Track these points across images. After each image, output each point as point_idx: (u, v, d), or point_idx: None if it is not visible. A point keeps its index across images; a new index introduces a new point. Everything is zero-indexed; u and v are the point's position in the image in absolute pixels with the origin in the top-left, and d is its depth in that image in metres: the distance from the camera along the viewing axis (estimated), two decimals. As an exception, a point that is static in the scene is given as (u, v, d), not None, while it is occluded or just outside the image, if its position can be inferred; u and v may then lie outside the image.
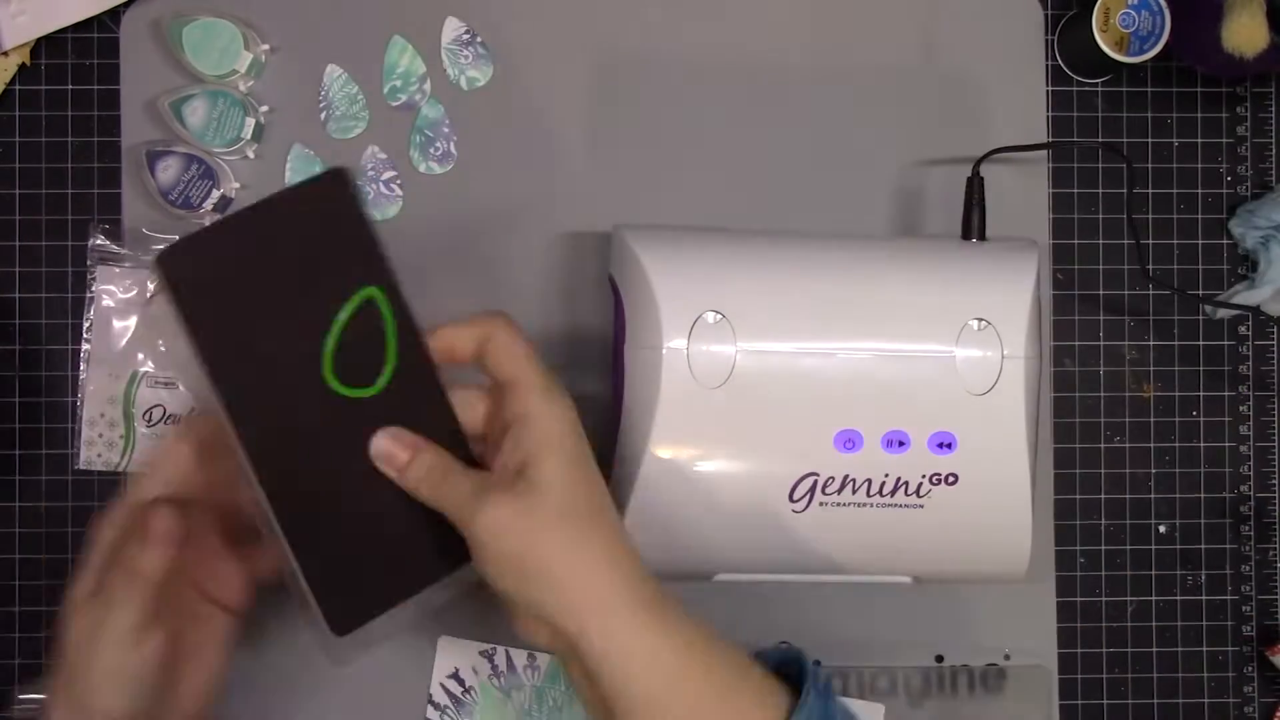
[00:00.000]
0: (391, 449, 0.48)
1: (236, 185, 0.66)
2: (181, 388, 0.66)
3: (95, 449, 0.65)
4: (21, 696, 0.52)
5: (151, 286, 0.64)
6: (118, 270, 0.66)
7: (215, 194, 0.65)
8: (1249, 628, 0.69)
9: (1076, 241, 0.69)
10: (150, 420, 0.65)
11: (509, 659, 0.63)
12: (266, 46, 0.66)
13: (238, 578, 0.54)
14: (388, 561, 0.50)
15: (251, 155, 0.66)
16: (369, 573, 0.49)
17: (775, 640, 0.66)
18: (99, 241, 0.65)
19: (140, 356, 0.66)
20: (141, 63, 0.66)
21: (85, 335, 0.66)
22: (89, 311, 0.66)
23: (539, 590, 0.46)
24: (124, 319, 0.66)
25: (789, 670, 0.49)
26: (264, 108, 0.66)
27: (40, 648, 0.65)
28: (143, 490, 0.50)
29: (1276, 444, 0.69)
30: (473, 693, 0.63)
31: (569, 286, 0.67)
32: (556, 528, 0.46)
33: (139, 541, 0.48)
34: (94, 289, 0.66)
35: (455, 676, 0.63)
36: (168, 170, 0.64)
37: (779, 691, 0.48)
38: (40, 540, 0.66)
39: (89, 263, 0.66)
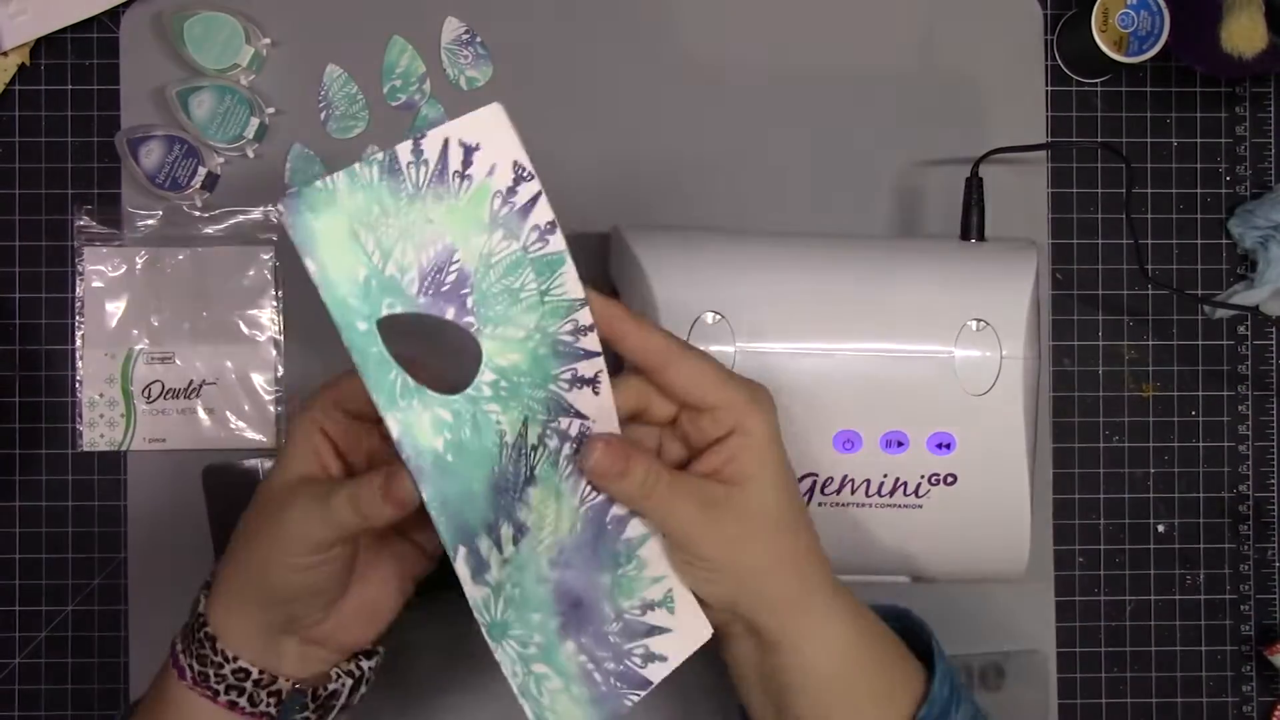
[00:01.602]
0: (602, 464, 0.46)
1: (220, 161, 0.66)
2: (178, 361, 0.66)
3: (97, 429, 0.66)
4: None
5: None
6: (105, 250, 0.66)
7: (201, 171, 0.65)
8: (1247, 627, 0.69)
9: (1075, 241, 0.69)
10: (149, 396, 0.66)
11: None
12: (268, 40, 0.66)
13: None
14: None
15: (251, 154, 0.66)
16: None
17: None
18: (83, 222, 0.66)
19: (135, 333, 0.66)
20: (142, 59, 0.66)
21: (79, 317, 0.66)
22: (78, 292, 0.66)
23: (749, 595, 0.48)
24: (115, 298, 0.66)
25: (910, 636, 0.53)
26: (270, 109, 0.66)
27: (40, 622, 0.66)
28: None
29: (1275, 444, 0.69)
30: None
31: (569, 286, 0.67)
32: (774, 540, 0.47)
33: (376, 493, 0.44)
34: (83, 270, 0.66)
35: None
36: (151, 154, 0.65)
37: (913, 660, 0.51)
38: (43, 527, 0.66)
39: (75, 244, 0.66)
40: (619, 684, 0.48)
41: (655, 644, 0.48)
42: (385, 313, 0.43)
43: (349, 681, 0.50)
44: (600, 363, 0.47)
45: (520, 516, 0.46)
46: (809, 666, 0.48)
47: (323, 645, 0.49)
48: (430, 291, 0.44)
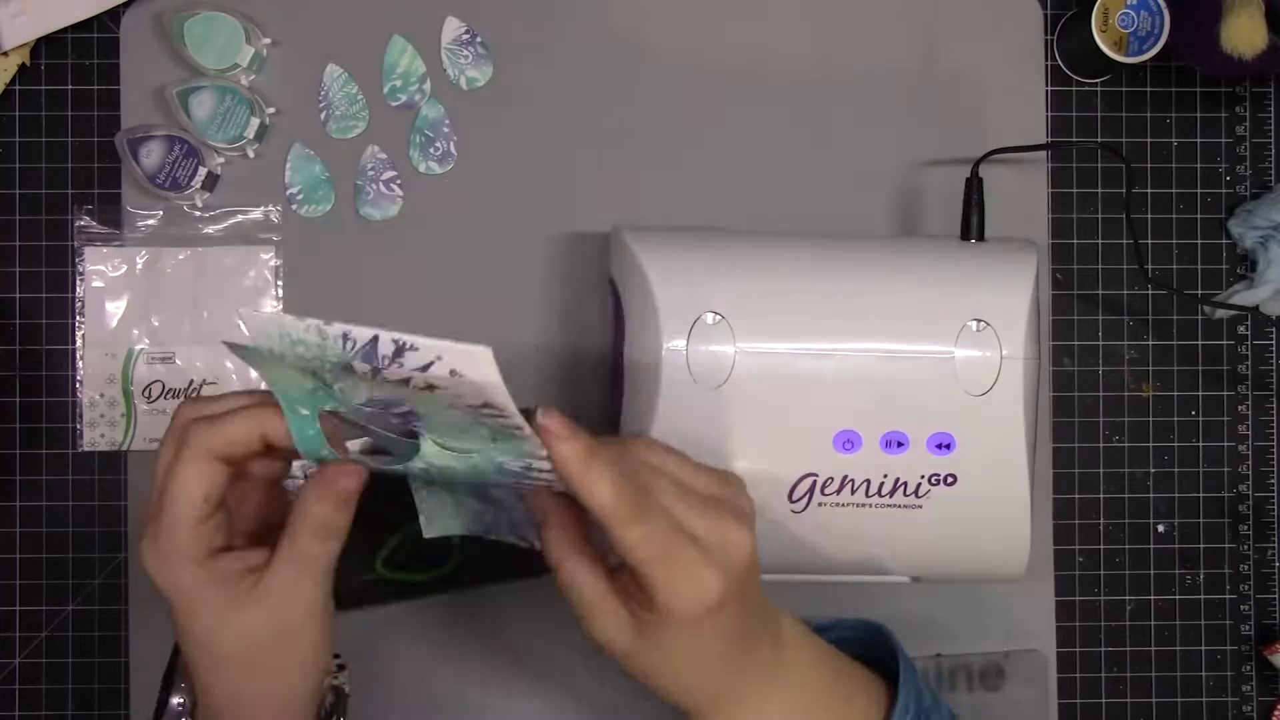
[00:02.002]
0: (539, 507, 0.46)
1: (220, 161, 0.66)
2: (179, 361, 0.66)
3: (98, 429, 0.66)
4: (177, 701, 0.50)
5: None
6: (105, 250, 0.66)
7: (201, 171, 0.65)
8: (1247, 627, 0.69)
9: (1075, 241, 0.69)
10: (150, 396, 0.66)
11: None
12: (268, 40, 0.66)
13: None
14: None
15: (251, 154, 0.66)
16: None
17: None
18: (83, 222, 0.66)
19: (135, 333, 0.66)
20: (142, 59, 0.66)
21: (79, 317, 0.66)
22: (78, 292, 0.66)
23: (671, 695, 0.47)
24: (115, 298, 0.66)
25: (878, 649, 0.53)
26: (270, 109, 0.66)
27: (40, 622, 0.66)
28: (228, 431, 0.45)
29: (1275, 443, 0.69)
30: None
31: (569, 287, 0.67)
32: (692, 663, 0.46)
33: (322, 498, 0.44)
34: (83, 270, 0.66)
35: None
36: (151, 155, 0.65)
37: (876, 688, 0.51)
38: (43, 527, 0.66)
39: (75, 244, 0.66)
40: (504, 527, 0.49)
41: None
42: (328, 408, 0.43)
43: (344, 675, 0.51)
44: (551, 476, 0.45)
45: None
46: None
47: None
48: (378, 409, 0.43)
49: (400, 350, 0.42)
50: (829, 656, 0.51)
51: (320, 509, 0.44)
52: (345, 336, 0.41)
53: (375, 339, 0.41)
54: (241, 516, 0.47)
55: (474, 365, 0.42)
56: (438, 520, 0.49)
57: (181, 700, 0.49)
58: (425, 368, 0.41)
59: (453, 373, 0.41)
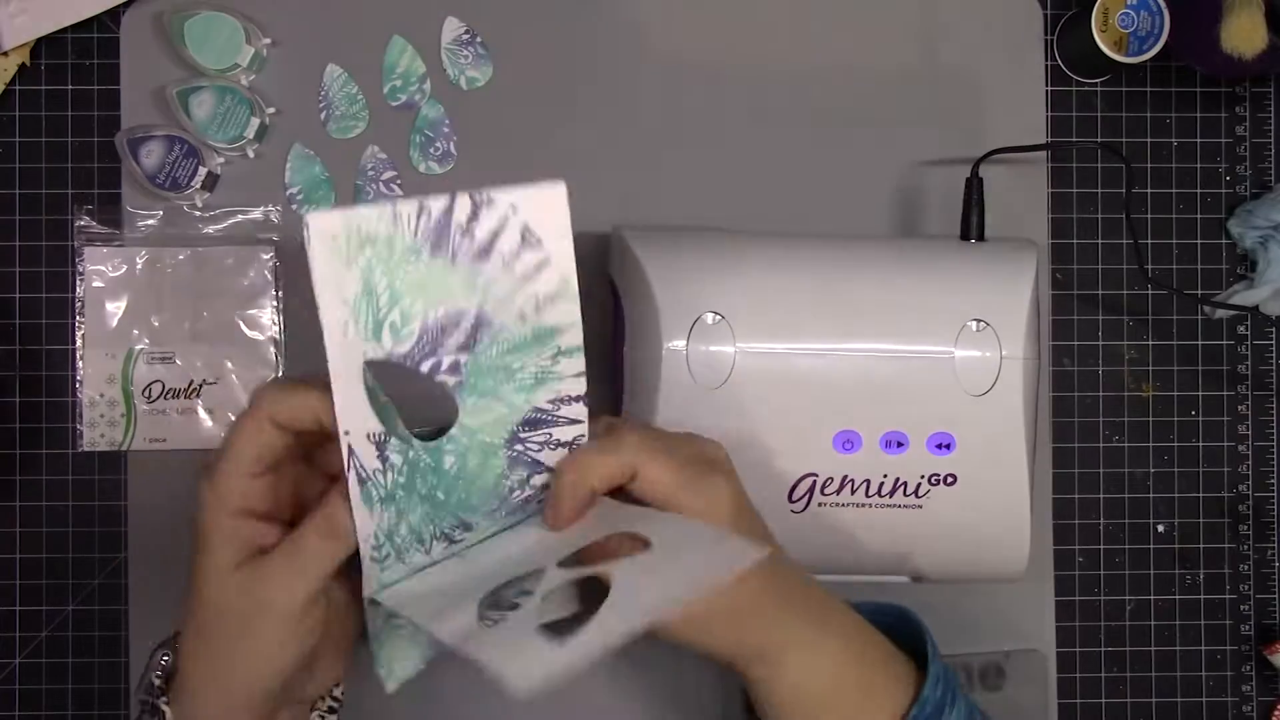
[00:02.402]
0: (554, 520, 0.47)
1: (221, 161, 0.66)
2: (179, 361, 0.66)
3: (98, 430, 0.66)
4: (164, 658, 0.49)
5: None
6: (105, 250, 0.66)
7: (201, 171, 0.65)
8: (1247, 627, 0.69)
9: (1075, 242, 0.69)
10: (150, 396, 0.66)
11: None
12: (268, 40, 0.66)
13: None
14: None
15: (251, 154, 0.66)
16: None
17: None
18: (83, 222, 0.66)
19: (135, 333, 0.66)
20: (142, 59, 0.66)
21: (79, 317, 0.66)
22: (78, 292, 0.66)
23: (719, 648, 0.49)
24: (115, 298, 0.66)
25: (907, 633, 0.54)
26: (270, 109, 0.66)
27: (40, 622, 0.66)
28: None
29: (1275, 443, 0.69)
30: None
31: (569, 286, 0.67)
32: (732, 614, 0.48)
33: (335, 498, 0.44)
34: (83, 269, 0.66)
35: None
36: (151, 155, 0.65)
37: (905, 663, 0.52)
38: (43, 527, 0.66)
39: (75, 244, 0.66)
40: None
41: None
42: (370, 355, 0.42)
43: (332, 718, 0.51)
44: (583, 429, 0.47)
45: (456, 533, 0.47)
46: (789, 700, 0.49)
47: (305, 702, 0.50)
48: (426, 347, 0.43)
49: (477, 209, 0.41)
50: (865, 622, 0.52)
51: (337, 512, 0.44)
52: (420, 207, 0.40)
53: (453, 197, 0.41)
54: (300, 505, 0.48)
55: (547, 209, 0.43)
56: (398, 667, 0.49)
57: (168, 658, 0.48)
58: (499, 230, 0.42)
59: (525, 234, 0.42)
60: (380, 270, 0.41)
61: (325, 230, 0.39)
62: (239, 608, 0.45)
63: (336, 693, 0.51)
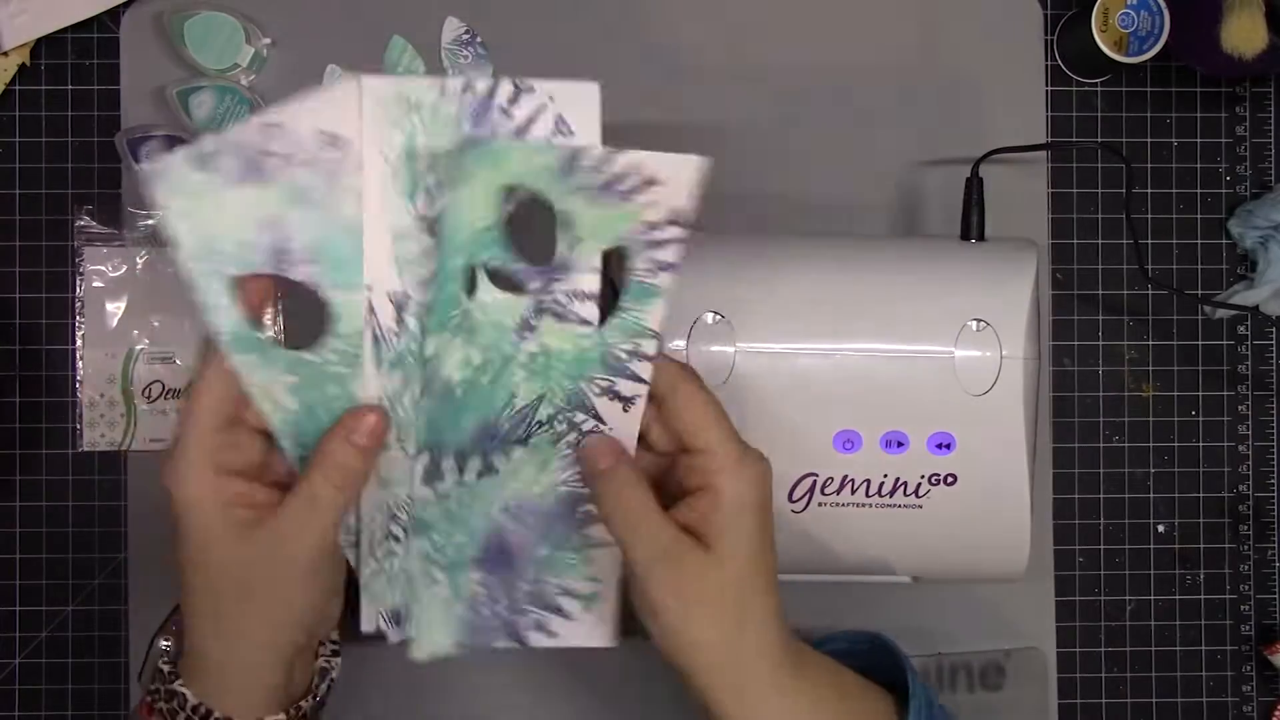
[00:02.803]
0: (594, 452, 0.47)
1: None
2: (178, 361, 0.66)
3: (98, 430, 0.66)
4: (164, 643, 0.50)
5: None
6: (105, 250, 0.66)
7: None
8: (1247, 627, 0.69)
9: (1075, 241, 0.69)
10: (150, 396, 0.66)
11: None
12: (268, 40, 0.66)
13: None
14: None
15: (251, 155, 0.66)
16: None
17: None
18: (83, 222, 0.66)
19: (135, 333, 0.66)
20: (142, 59, 0.66)
21: (79, 317, 0.66)
22: (78, 292, 0.66)
23: (685, 653, 0.46)
24: (115, 299, 0.66)
25: (880, 660, 0.53)
26: (269, 109, 0.66)
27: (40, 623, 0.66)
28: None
29: (1275, 444, 0.69)
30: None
31: (569, 286, 0.67)
32: (722, 603, 0.46)
33: (342, 442, 0.45)
34: (83, 269, 0.66)
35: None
36: (151, 155, 0.65)
37: (885, 699, 0.51)
38: (43, 527, 0.66)
39: (75, 244, 0.66)
40: (498, 626, 0.49)
41: (553, 621, 0.50)
42: (404, 214, 0.45)
43: (336, 661, 0.51)
44: (643, 389, 0.47)
45: (494, 461, 0.47)
46: None
47: (320, 643, 0.49)
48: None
49: (517, 93, 0.45)
50: (836, 670, 0.51)
51: (340, 452, 0.44)
52: (466, 83, 0.44)
53: (497, 80, 0.44)
54: (269, 469, 0.47)
55: (580, 104, 0.46)
56: (427, 639, 0.49)
57: (169, 643, 0.49)
58: (534, 116, 0.45)
59: (559, 124, 0.45)
60: (423, 136, 0.44)
61: (377, 90, 0.43)
62: (259, 570, 0.44)
63: (334, 634, 0.51)
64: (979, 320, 0.57)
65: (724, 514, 0.45)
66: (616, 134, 0.66)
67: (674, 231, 0.48)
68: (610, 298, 0.47)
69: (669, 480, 0.48)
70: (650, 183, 0.47)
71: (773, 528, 0.47)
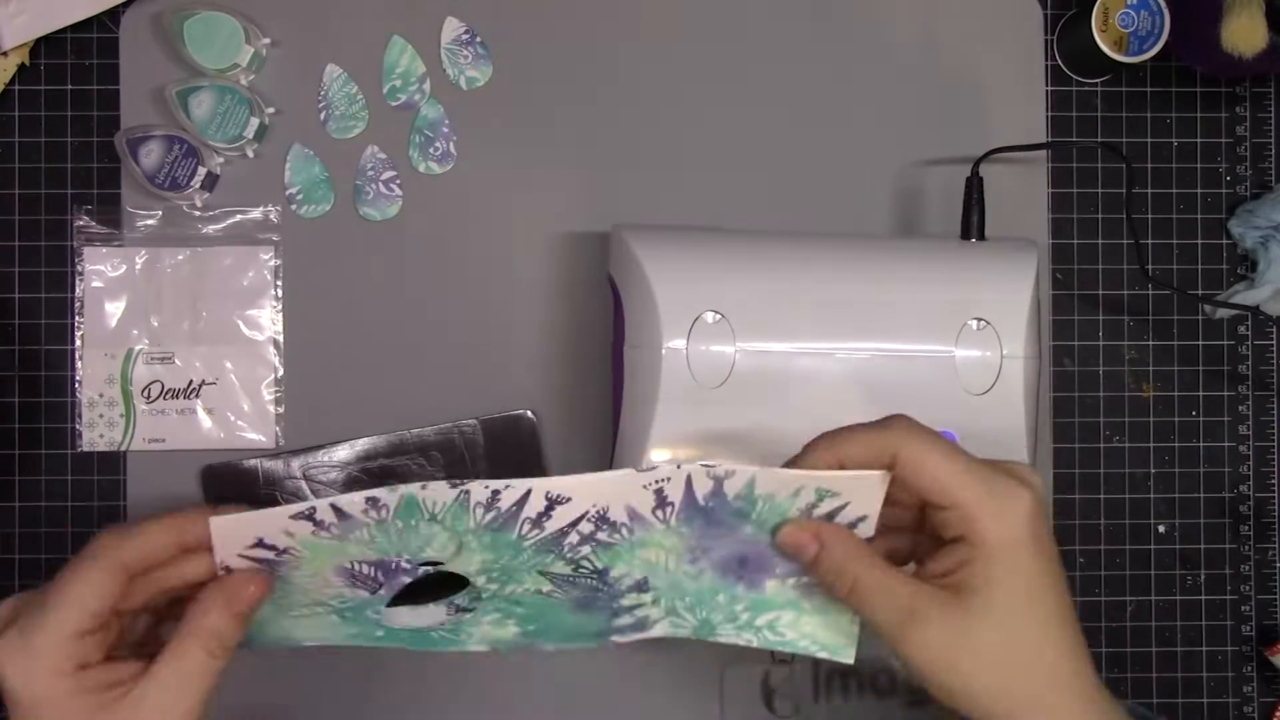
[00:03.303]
0: (793, 541, 0.45)
1: (220, 161, 0.66)
2: (178, 361, 0.66)
3: (97, 430, 0.66)
4: None
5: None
6: (105, 250, 0.66)
7: (201, 171, 0.65)
8: (1248, 627, 0.69)
9: (1076, 241, 0.69)
10: (149, 397, 0.66)
11: (337, 511, 0.44)
12: (268, 40, 0.66)
13: None
14: None
15: (251, 154, 0.66)
16: None
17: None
18: (83, 222, 0.66)
19: (135, 333, 0.66)
20: (142, 59, 0.66)
21: (78, 317, 0.66)
22: (78, 292, 0.66)
23: (973, 707, 0.42)
24: (115, 298, 0.66)
25: None
26: (270, 109, 0.66)
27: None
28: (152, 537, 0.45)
29: (1276, 444, 0.69)
30: (291, 552, 0.46)
31: (569, 286, 0.67)
32: (1000, 670, 0.42)
33: (220, 610, 0.43)
34: (82, 269, 0.66)
35: (261, 544, 0.45)
36: (150, 155, 0.65)
37: None
38: (43, 527, 0.66)
39: (75, 244, 0.66)
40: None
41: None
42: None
43: None
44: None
45: (625, 602, 0.50)
46: None
47: None
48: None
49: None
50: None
51: (215, 621, 0.42)
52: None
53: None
54: (133, 626, 0.45)
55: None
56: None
57: None
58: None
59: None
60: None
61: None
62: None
63: None
64: (979, 320, 0.57)
65: (982, 561, 0.42)
66: (617, 134, 0.66)
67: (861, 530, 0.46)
68: None
69: (926, 530, 0.45)
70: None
71: (1056, 560, 0.44)
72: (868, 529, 0.45)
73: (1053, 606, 0.43)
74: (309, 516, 0.44)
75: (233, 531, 0.44)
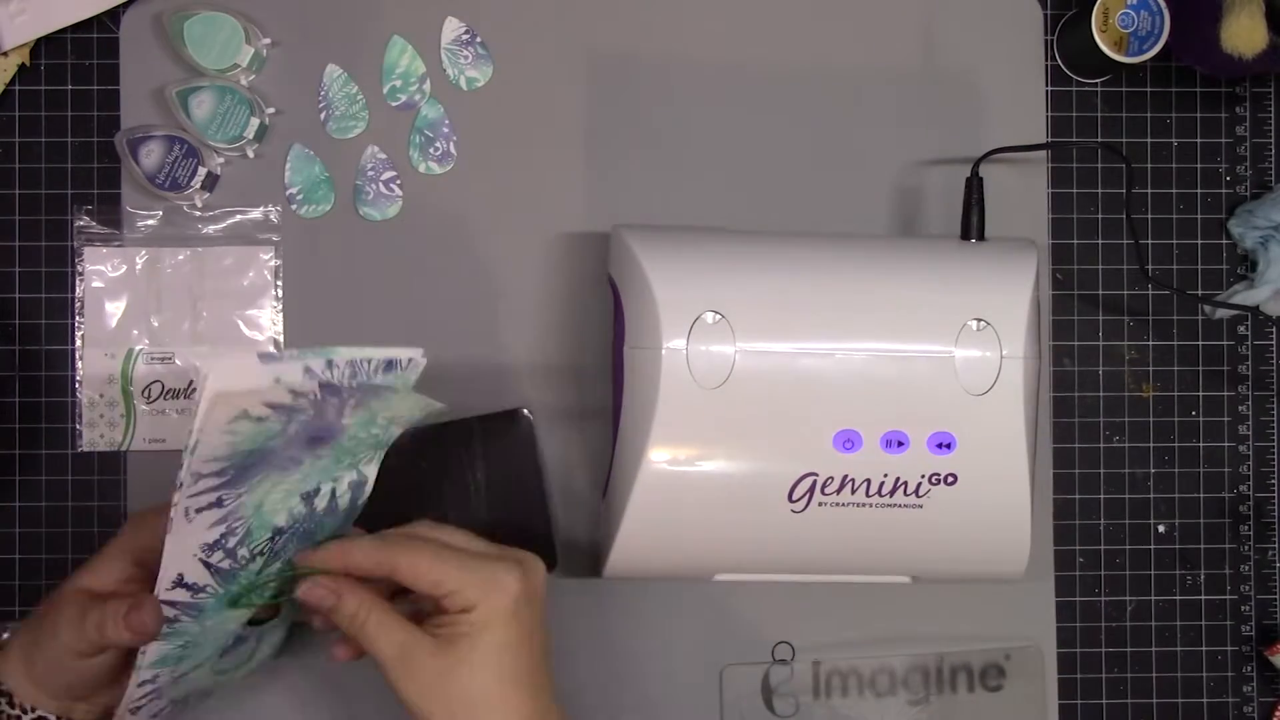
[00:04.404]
0: (314, 596, 0.52)
1: (220, 161, 0.66)
2: (178, 361, 0.66)
3: (97, 430, 0.66)
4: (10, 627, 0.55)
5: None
6: (105, 250, 0.66)
7: (201, 171, 0.65)
8: (1248, 627, 0.69)
9: (1076, 241, 0.69)
10: (150, 397, 0.66)
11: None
12: (268, 40, 0.66)
13: None
14: None
15: (251, 154, 0.66)
16: None
17: (773, 640, 0.66)
18: (83, 222, 0.66)
19: (135, 333, 0.66)
20: (142, 59, 0.66)
21: (79, 317, 0.66)
22: (78, 292, 0.66)
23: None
24: (115, 298, 0.66)
25: None
26: (270, 109, 0.66)
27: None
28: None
29: (1276, 444, 0.69)
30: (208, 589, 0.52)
31: (569, 286, 0.67)
32: (473, 697, 0.50)
33: (119, 621, 0.50)
34: (82, 269, 0.66)
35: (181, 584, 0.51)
36: (151, 155, 0.65)
37: None
38: (43, 527, 0.66)
39: (75, 244, 0.66)
40: None
41: None
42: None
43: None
44: None
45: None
46: None
47: (113, 702, 0.53)
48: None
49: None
50: None
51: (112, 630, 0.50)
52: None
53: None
54: None
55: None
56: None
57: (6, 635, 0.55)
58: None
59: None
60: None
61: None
62: (55, 608, 0.51)
63: None
64: (979, 320, 0.57)
65: (468, 624, 0.50)
66: (617, 135, 0.66)
67: None
68: None
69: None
70: None
71: (535, 633, 0.52)
72: None
73: (523, 669, 0.51)
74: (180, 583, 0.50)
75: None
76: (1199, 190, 0.69)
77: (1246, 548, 0.69)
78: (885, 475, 0.57)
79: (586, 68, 0.67)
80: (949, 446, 0.57)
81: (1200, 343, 0.69)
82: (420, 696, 0.50)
